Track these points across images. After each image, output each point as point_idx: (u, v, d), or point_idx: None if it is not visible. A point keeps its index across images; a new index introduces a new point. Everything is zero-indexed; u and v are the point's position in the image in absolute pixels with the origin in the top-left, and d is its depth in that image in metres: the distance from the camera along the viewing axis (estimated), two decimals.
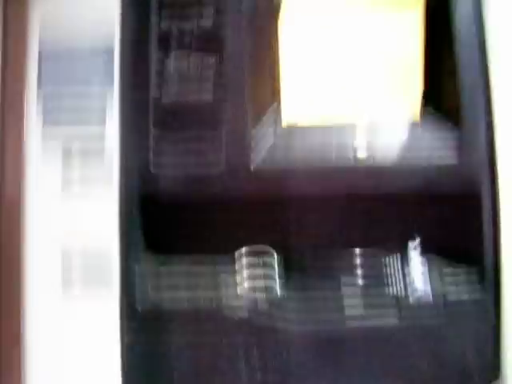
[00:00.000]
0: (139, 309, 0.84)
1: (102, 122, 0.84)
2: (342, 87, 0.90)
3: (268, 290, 0.88)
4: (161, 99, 0.84)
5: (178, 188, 0.84)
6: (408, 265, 0.86)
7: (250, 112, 0.85)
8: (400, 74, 0.91)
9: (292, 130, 0.89)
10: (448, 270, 0.88)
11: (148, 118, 0.84)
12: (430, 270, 0.86)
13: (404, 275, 0.85)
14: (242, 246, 0.87)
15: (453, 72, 0.87)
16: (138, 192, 0.84)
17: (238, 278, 0.88)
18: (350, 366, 0.83)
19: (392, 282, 0.84)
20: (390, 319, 0.84)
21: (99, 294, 0.83)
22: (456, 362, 0.84)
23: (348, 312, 0.84)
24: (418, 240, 0.86)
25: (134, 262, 0.85)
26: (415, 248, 0.86)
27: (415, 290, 0.85)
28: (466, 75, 0.86)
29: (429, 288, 0.86)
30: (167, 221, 0.86)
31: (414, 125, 0.90)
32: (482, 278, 0.84)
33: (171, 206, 0.84)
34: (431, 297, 0.85)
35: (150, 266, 0.88)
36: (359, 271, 0.86)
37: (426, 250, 0.87)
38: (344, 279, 0.84)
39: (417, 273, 0.86)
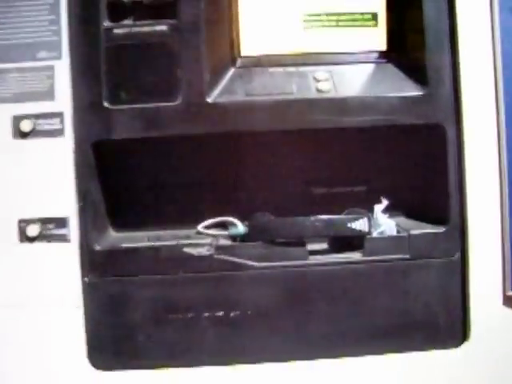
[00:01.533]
0: (98, 248, 0.81)
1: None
2: (303, 16, 0.86)
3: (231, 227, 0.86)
4: (112, 30, 0.80)
5: (134, 122, 0.80)
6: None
7: (207, 44, 0.80)
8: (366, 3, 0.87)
9: (250, 61, 0.86)
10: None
11: (99, 49, 0.79)
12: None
13: (369, 218, 0.82)
14: (200, 180, 0.84)
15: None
16: (92, 129, 0.80)
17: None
18: (312, 304, 0.82)
19: (356, 223, 0.81)
20: (353, 254, 0.82)
21: (57, 234, 0.81)
22: (423, 311, 0.83)
23: (310, 247, 0.82)
24: (384, 204, 0.83)
25: (91, 204, 0.82)
26: (382, 212, 0.84)
27: (379, 225, 0.83)
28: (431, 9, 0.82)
29: (394, 227, 0.84)
30: (123, 156, 0.83)
31: (379, 56, 0.88)
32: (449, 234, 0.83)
33: (127, 141, 0.80)
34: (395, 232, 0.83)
35: (107, 206, 0.85)
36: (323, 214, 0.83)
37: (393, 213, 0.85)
38: (307, 220, 0.81)
39: (382, 219, 0.84)
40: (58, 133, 0.80)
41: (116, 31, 0.80)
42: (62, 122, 0.80)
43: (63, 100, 0.80)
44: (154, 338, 0.82)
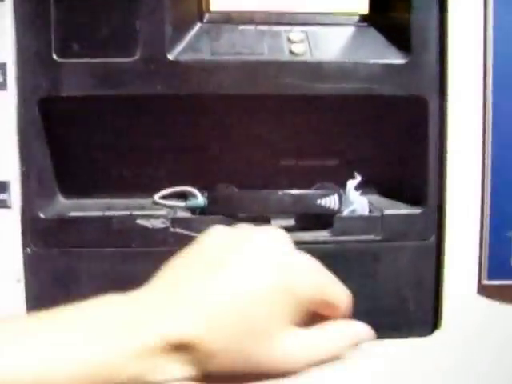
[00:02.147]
0: (42, 216, 0.74)
1: None
2: None
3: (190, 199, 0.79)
4: None
5: (86, 78, 0.72)
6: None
7: None
8: None
9: (219, 17, 0.78)
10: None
11: None
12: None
13: (340, 195, 0.76)
14: (159, 145, 0.77)
15: None
16: (39, 83, 0.72)
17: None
18: None
19: (326, 200, 0.75)
20: (321, 233, 0.76)
21: None
22: (393, 296, 0.77)
23: (275, 223, 0.75)
24: (357, 180, 0.76)
25: (36, 167, 0.74)
26: (354, 188, 0.77)
27: (351, 203, 0.77)
28: None
29: (366, 205, 0.78)
30: (74, 115, 0.75)
31: (360, 19, 0.80)
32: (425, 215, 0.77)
33: (78, 98, 0.72)
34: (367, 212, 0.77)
35: (55, 170, 0.77)
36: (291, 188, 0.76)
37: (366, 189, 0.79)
38: (272, 194, 0.74)
39: (354, 196, 0.77)
40: (0, 86, 0.72)
41: None
42: (3, 73, 0.71)
43: (6, 49, 0.71)
44: None
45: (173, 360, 0.34)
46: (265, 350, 0.35)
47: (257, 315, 0.35)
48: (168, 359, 0.33)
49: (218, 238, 0.40)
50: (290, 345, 0.36)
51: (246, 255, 0.38)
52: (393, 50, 0.76)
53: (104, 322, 0.35)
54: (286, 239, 0.42)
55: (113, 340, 0.33)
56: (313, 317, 0.39)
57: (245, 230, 0.43)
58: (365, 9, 0.80)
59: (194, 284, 0.36)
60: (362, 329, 0.41)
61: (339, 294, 0.41)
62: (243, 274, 0.37)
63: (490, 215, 0.75)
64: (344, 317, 0.41)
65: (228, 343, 0.34)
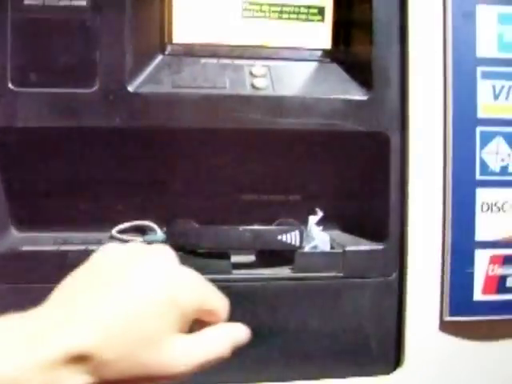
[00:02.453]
0: None
1: None
2: (243, 4, 0.78)
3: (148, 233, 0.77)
4: (23, 1, 0.69)
5: (43, 108, 0.70)
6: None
7: (133, 25, 0.71)
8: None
9: (181, 49, 0.77)
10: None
11: (6, 21, 0.69)
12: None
13: (301, 231, 0.75)
14: (117, 179, 0.75)
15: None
16: None
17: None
18: (235, 321, 0.73)
19: (287, 236, 0.73)
20: (282, 269, 0.75)
21: None
22: (355, 333, 0.76)
23: (235, 259, 0.74)
24: (318, 215, 0.76)
25: None
26: (316, 224, 0.76)
27: (312, 239, 0.76)
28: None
29: (328, 241, 0.77)
30: (29, 147, 0.73)
31: (323, 54, 0.80)
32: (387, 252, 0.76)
33: (34, 129, 0.70)
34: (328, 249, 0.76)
35: (9, 202, 0.75)
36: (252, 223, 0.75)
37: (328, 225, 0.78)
38: (232, 230, 0.73)
39: (316, 232, 0.76)
40: None
41: (27, 2, 0.69)
42: None
43: None
44: None
45: (73, 370, 0.37)
46: (154, 356, 0.40)
47: (146, 326, 0.40)
48: (69, 370, 0.36)
49: (110, 256, 0.44)
50: (176, 350, 0.41)
51: (135, 272, 0.42)
52: (355, 85, 0.76)
53: (6, 338, 0.36)
54: (172, 256, 0.47)
55: (16, 355, 0.36)
56: (197, 323, 0.44)
57: (135, 247, 0.46)
58: (328, 44, 0.81)
59: (89, 299, 0.40)
60: (239, 329, 0.47)
61: (218, 302, 0.47)
62: (133, 290, 0.41)
63: (451, 251, 0.75)
64: (223, 321, 0.46)
65: (121, 352, 0.38)
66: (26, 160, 0.74)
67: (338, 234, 0.80)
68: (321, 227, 0.77)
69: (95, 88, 0.70)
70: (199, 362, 0.42)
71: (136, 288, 0.41)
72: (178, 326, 0.42)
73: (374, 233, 0.77)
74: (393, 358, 0.77)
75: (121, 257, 0.44)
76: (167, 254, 0.47)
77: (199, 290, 0.45)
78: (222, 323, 0.46)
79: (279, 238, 0.73)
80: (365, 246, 0.77)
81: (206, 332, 0.44)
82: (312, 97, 0.74)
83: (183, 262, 0.71)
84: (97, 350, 0.37)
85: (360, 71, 0.76)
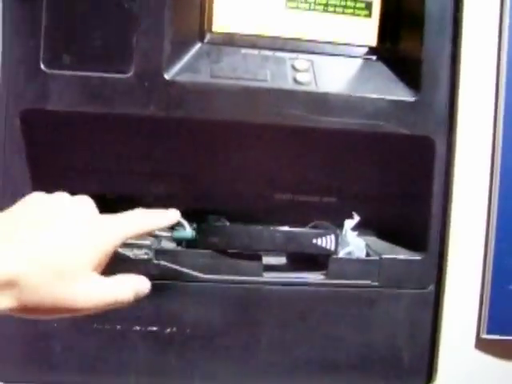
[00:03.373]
0: None
1: None
2: None
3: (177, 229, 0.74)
4: None
5: (75, 92, 0.66)
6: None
7: (173, 10, 0.67)
8: None
9: (221, 38, 0.73)
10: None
11: (40, 0, 0.66)
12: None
13: (337, 235, 0.71)
14: (147, 169, 0.72)
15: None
16: (23, 94, 0.66)
17: None
18: (262, 328, 0.70)
19: (322, 239, 0.70)
20: (314, 274, 0.71)
21: None
22: (387, 346, 0.72)
23: (266, 261, 0.71)
24: (355, 220, 0.72)
25: (14, 185, 0.69)
26: (352, 229, 0.73)
27: (347, 244, 0.72)
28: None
29: (363, 247, 0.73)
30: (58, 131, 0.70)
31: (369, 51, 0.77)
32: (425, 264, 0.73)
33: (63, 113, 0.67)
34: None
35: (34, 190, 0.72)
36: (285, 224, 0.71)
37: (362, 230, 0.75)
38: (266, 230, 0.69)
39: (351, 237, 0.73)
40: None
41: None
42: None
43: None
44: (72, 349, 0.69)
45: (1, 294, 0.43)
46: (70, 289, 0.46)
47: (66, 260, 0.46)
48: None
49: (40, 200, 0.51)
50: (89, 287, 0.47)
51: (61, 216, 0.49)
52: (401, 85, 0.72)
53: None
54: (92, 206, 0.54)
55: None
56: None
57: (62, 197, 0.53)
58: (373, 40, 0.77)
59: (21, 234, 0.46)
60: (142, 281, 0.54)
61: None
62: (60, 231, 0.47)
63: (493, 266, 0.71)
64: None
65: (43, 280, 0.44)
66: (54, 145, 0.71)
67: (373, 241, 0.77)
68: (356, 232, 0.73)
69: (130, 74, 0.67)
70: (106, 302, 0.49)
71: (62, 230, 0.47)
72: (95, 266, 0.48)
73: (412, 241, 0.74)
74: (425, 373, 0.74)
75: (50, 202, 0.51)
76: (90, 203, 0.54)
77: (113, 236, 0.51)
78: (128, 274, 0.53)
79: (314, 241, 0.69)
80: (402, 254, 0.73)
81: (115, 277, 0.51)
82: (356, 95, 0.70)
83: (213, 260, 0.69)
84: (23, 277, 0.43)
85: (407, 71, 0.72)
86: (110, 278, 0.50)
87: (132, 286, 0.52)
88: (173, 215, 0.59)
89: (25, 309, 0.45)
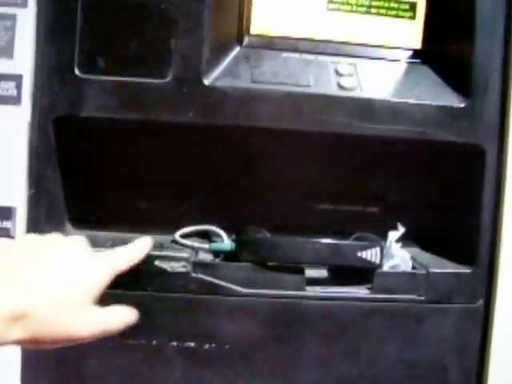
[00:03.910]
0: None
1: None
2: None
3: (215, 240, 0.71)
4: None
5: (110, 98, 0.64)
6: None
7: (212, 13, 0.65)
8: None
9: (260, 41, 0.70)
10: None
11: (75, 4, 0.63)
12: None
13: (382, 249, 0.68)
14: (184, 178, 0.69)
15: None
16: (57, 100, 0.64)
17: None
18: (305, 345, 0.67)
19: (367, 252, 0.66)
20: (359, 289, 0.68)
21: None
22: (433, 363, 0.69)
23: (308, 274, 0.67)
24: (400, 231, 0.69)
25: (46, 192, 0.66)
26: (396, 240, 0.69)
27: (392, 257, 0.69)
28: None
29: (409, 260, 0.70)
30: (92, 138, 0.67)
31: (413, 55, 0.73)
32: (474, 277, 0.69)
33: (98, 120, 0.64)
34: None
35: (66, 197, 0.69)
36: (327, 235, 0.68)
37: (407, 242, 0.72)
38: (309, 243, 0.66)
39: (396, 250, 0.70)
40: (13, 100, 0.64)
41: None
42: (18, 87, 0.64)
43: (24, 60, 0.64)
44: (106, 365, 0.67)
45: (13, 326, 0.46)
46: (72, 319, 0.50)
47: (71, 296, 0.50)
48: (10, 326, 0.46)
49: (37, 240, 0.54)
50: (89, 318, 0.51)
51: (63, 254, 0.52)
52: (449, 90, 0.69)
53: None
54: (86, 243, 0.56)
55: None
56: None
57: (58, 236, 0.56)
58: (418, 43, 0.73)
59: (26, 271, 0.49)
60: (130, 312, 0.56)
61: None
62: (60, 267, 0.51)
63: None
64: None
65: (50, 312, 0.48)
66: (88, 152, 0.68)
67: (417, 253, 0.73)
68: (400, 244, 0.70)
69: (168, 79, 0.64)
70: (102, 331, 0.52)
71: (62, 266, 0.51)
72: (93, 298, 0.52)
73: (460, 254, 0.70)
74: None
75: (47, 241, 0.53)
76: (83, 241, 0.55)
77: (108, 272, 0.54)
78: (116, 306, 0.55)
79: (359, 254, 0.66)
80: (450, 267, 0.70)
81: (107, 308, 0.54)
82: (403, 101, 0.67)
83: (252, 274, 0.66)
84: (32, 310, 0.47)
85: (456, 75, 0.69)
86: (104, 309, 0.53)
87: (122, 318, 0.55)
88: (146, 244, 0.60)
89: (32, 340, 0.48)
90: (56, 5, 0.64)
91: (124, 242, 0.69)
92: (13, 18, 0.63)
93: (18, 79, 0.64)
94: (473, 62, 0.67)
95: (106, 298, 0.64)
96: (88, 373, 0.66)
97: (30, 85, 0.64)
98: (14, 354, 0.65)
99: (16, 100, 0.64)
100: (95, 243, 0.68)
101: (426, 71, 0.71)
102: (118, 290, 0.64)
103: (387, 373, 0.69)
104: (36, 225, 0.65)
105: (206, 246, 0.69)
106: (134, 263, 0.57)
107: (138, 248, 0.59)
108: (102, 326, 0.52)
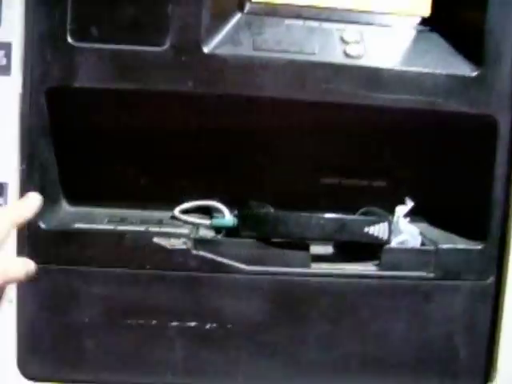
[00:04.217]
0: (43, 226, 0.63)
1: None
2: None
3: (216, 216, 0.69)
4: None
5: (105, 67, 0.61)
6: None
7: None
8: None
9: (262, 8, 0.67)
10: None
11: None
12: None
13: (390, 224, 0.65)
14: (183, 151, 0.66)
15: None
16: (49, 70, 0.61)
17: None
18: (310, 323, 0.65)
19: (375, 228, 0.64)
20: (366, 265, 0.66)
21: None
22: (442, 342, 0.67)
23: (313, 251, 0.65)
24: (408, 206, 0.67)
25: (39, 167, 0.63)
26: (404, 215, 0.67)
27: (400, 232, 0.67)
28: None
29: (418, 236, 0.67)
30: (86, 110, 0.64)
31: (421, 22, 0.70)
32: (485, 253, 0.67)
33: (92, 91, 0.61)
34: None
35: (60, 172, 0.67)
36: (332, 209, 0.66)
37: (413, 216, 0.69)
38: (314, 218, 0.63)
39: (404, 225, 0.67)
40: (3, 70, 0.60)
41: None
42: (7, 55, 0.60)
43: (12, 27, 0.60)
44: (104, 345, 0.64)
45: None
46: None
47: None
48: None
49: None
50: None
51: None
52: (460, 59, 0.66)
53: None
54: None
55: None
56: None
57: None
58: (427, 10, 0.70)
59: None
60: (30, 262, 0.51)
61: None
62: None
63: None
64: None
65: None
66: (82, 125, 0.65)
67: (426, 228, 0.71)
68: (408, 219, 0.68)
69: (166, 46, 0.61)
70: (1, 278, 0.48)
71: None
72: None
73: (470, 229, 0.68)
74: (483, 372, 0.68)
75: None
76: None
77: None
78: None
79: (366, 229, 0.63)
80: (460, 243, 0.67)
81: (6, 256, 0.52)
82: (412, 70, 0.64)
83: (256, 250, 0.64)
84: None
85: (467, 42, 0.66)
86: (2, 257, 0.50)
87: (21, 264, 0.51)
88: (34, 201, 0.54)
89: None
90: None
91: (122, 219, 0.67)
92: None
93: (6, 48, 0.60)
94: (485, 30, 0.64)
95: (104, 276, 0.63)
96: (86, 353, 0.64)
97: (21, 54, 0.61)
98: (10, 336, 0.63)
99: (6, 70, 0.60)
100: (92, 220, 0.66)
101: (435, 39, 0.68)
102: (115, 267, 0.63)
103: (395, 352, 0.67)
104: None
105: (207, 222, 0.67)
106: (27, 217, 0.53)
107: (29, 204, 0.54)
108: (2, 273, 0.49)
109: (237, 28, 0.65)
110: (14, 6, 0.60)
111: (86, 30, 0.61)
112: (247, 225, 0.64)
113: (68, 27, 0.60)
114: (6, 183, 0.62)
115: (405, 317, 0.66)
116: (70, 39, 0.61)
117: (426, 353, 0.67)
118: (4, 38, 0.60)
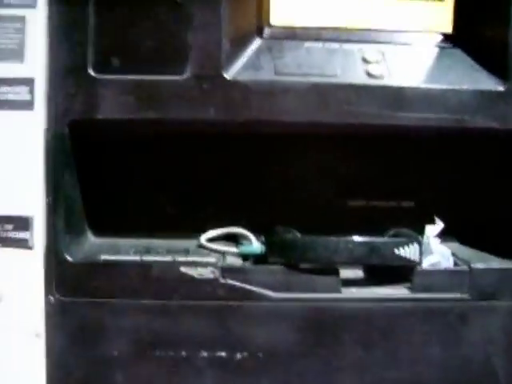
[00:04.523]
0: (69, 259, 0.62)
1: None
2: None
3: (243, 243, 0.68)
4: None
5: (127, 98, 0.61)
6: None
7: (229, 4, 0.61)
8: None
9: (281, 32, 0.67)
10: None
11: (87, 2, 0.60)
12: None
13: (420, 245, 0.64)
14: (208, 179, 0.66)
15: None
16: (71, 103, 0.61)
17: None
18: (342, 350, 0.63)
19: (405, 249, 0.63)
20: (398, 289, 0.64)
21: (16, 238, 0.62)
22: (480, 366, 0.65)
23: (343, 275, 0.64)
24: (439, 226, 0.65)
25: (64, 200, 0.63)
26: (434, 236, 0.66)
27: (431, 253, 0.65)
28: None
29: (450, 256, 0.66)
30: (109, 141, 0.64)
31: (444, 38, 0.69)
32: None
33: (115, 122, 0.61)
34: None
35: (85, 204, 0.66)
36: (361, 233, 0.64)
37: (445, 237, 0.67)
38: (343, 241, 0.62)
39: (435, 245, 0.66)
40: (26, 105, 0.61)
41: None
42: (31, 91, 0.61)
43: (35, 63, 0.61)
44: (134, 378, 0.63)
45: None
46: None
47: None
48: None
49: None
50: None
51: None
52: (485, 74, 0.65)
53: None
54: None
55: None
56: None
57: None
58: (449, 27, 0.69)
59: None
60: None
61: None
62: None
63: None
64: None
65: None
66: (106, 156, 0.65)
67: (457, 248, 0.69)
68: (439, 239, 0.66)
69: (187, 75, 0.61)
70: None
71: None
72: None
73: (504, 248, 0.66)
74: None
75: None
76: None
77: None
78: None
79: (396, 251, 0.62)
80: (494, 263, 0.65)
81: None
82: (436, 87, 0.63)
83: (285, 277, 0.63)
84: None
85: (492, 57, 0.65)
86: None
87: None
88: None
89: None
90: (66, 4, 0.61)
91: (148, 249, 0.66)
92: (22, 19, 0.61)
93: (29, 83, 0.61)
94: (510, 43, 0.63)
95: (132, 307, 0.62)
96: None
97: (44, 88, 0.61)
98: (39, 370, 0.63)
99: (29, 105, 0.61)
100: (117, 251, 0.66)
101: (458, 55, 0.67)
102: (143, 299, 0.62)
103: (431, 377, 0.64)
104: (55, 234, 0.62)
105: (234, 249, 0.66)
106: None
107: None
108: None
109: (257, 53, 0.65)
110: (36, 41, 0.61)
111: (107, 61, 0.61)
112: (275, 251, 0.63)
113: (89, 60, 0.61)
114: (31, 217, 0.62)
115: (440, 340, 0.64)
116: (91, 71, 0.61)
117: (463, 377, 0.65)
118: (28, 74, 0.61)
